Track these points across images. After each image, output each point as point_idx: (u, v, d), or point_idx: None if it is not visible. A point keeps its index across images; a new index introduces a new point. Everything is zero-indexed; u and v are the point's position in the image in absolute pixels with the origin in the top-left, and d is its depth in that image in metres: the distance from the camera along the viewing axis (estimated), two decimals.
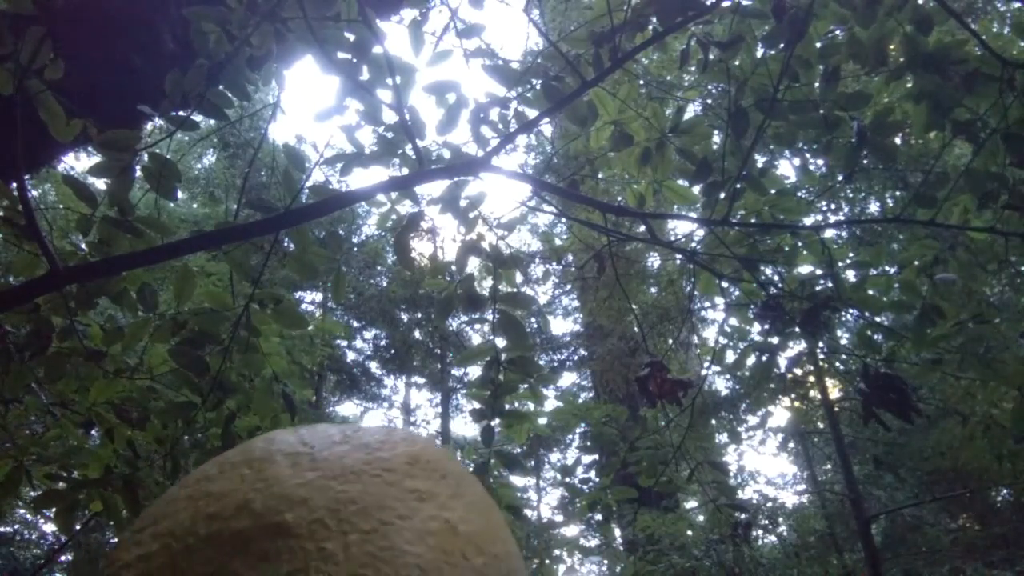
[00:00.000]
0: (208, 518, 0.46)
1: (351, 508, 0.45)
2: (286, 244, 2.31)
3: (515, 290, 2.45)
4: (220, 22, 1.98)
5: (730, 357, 3.39)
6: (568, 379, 13.19)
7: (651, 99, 2.68)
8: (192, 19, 1.97)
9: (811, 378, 6.25)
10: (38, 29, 1.69)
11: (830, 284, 2.58)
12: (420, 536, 0.44)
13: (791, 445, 9.86)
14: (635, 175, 2.70)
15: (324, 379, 11.74)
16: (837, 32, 2.41)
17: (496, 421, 2.48)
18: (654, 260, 7.49)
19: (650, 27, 2.28)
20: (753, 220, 2.66)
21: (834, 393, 6.88)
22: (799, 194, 3.57)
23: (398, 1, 2.79)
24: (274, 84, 2.50)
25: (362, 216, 12.33)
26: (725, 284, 2.82)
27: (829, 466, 9.89)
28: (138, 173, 2.00)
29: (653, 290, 7.29)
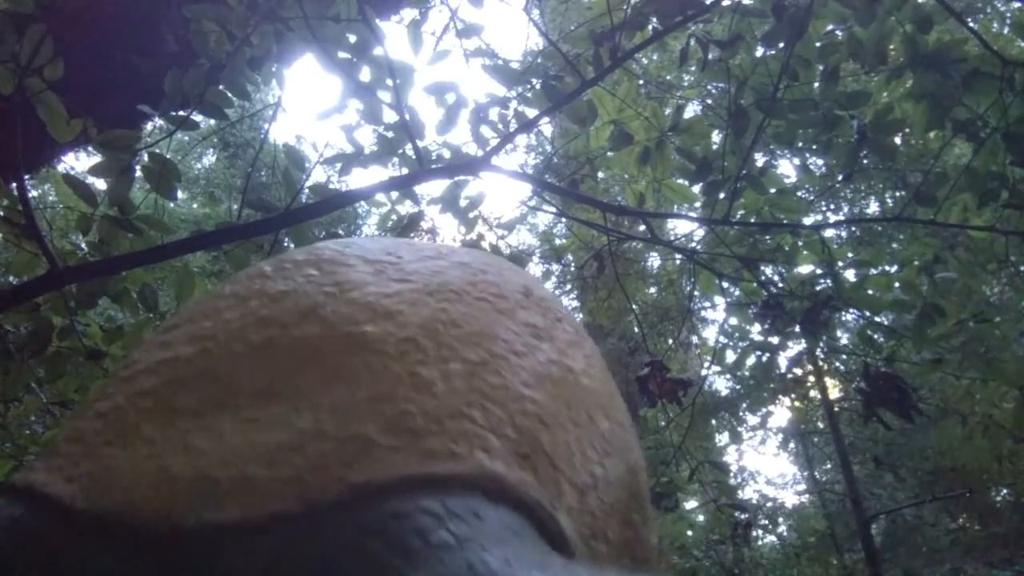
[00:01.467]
0: (262, 322, 0.35)
1: (453, 331, 0.34)
2: (286, 244, 2.31)
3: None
4: (220, 21, 1.98)
5: (730, 357, 3.39)
6: None
7: (650, 98, 2.68)
8: (189, 16, 1.97)
9: (811, 378, 6.25)
10: (38, 28, 1.69)
11: (830, 283, 2.58)
12: (539, 380, 0.34)
13: (791, 445, 9.87)
14: (635, 174, 2.70)
15: None
16: (837, 31, 2.41)
17: None
18: (654, 260, 7.49)
19: (650, 26, 2.29)
20: (753, 219, 2.66)
21: (834, 393, 6.89)
22: (799, 194, 3.57)
23: (398, 1, 2.79)
24: (274, 84, 2.50)
25: (362, 216, 12.34)
26: (725, 284, 2.82)
27: (829, 466, 9.89)
28: (138, 173, 2.00)
29: (653, 290, 7.29)
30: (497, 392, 0.32)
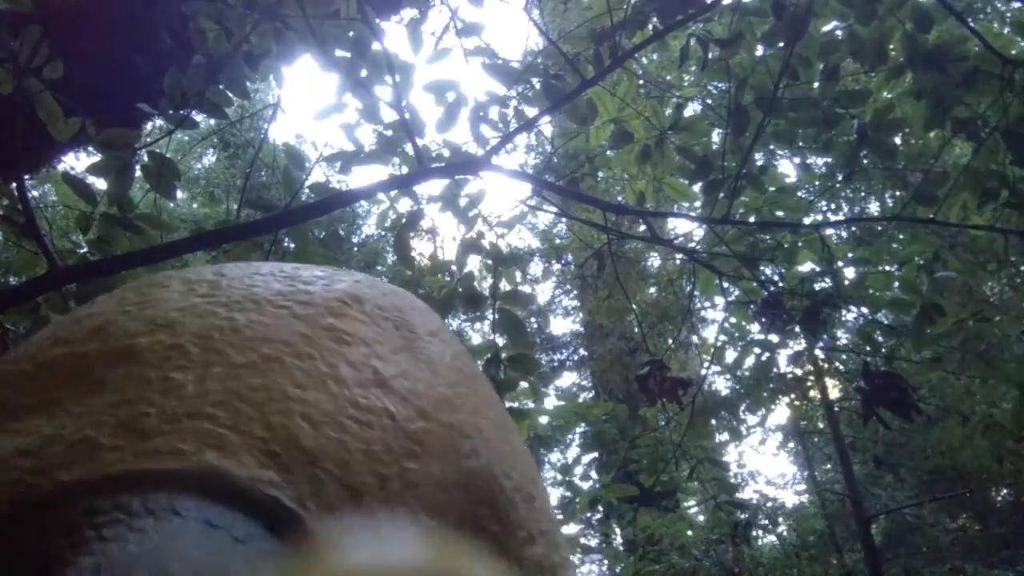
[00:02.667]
0: (56, 342, 0.35)
1: (229, 337, 0.33)
2: (286, 244, 2.31)
3: (515, 288, 2.45)
4: (219, 19, 1.98)
5: (730, 356, 3.39)
6: (568, 379, 13.19)
7: (650, 97, 2.68)
8: (190, 16, 1.97)
9: (811, 378, 6.25)
10: (37, 28, 1.69)
11: (830, 282, 2.58)
12: (320, 382, 0.33)
13: (791, 445, 9.87)
14: (635, 173, 2.70)
15: None
16: (837, 30, 2.41)
17: None
18: (654, 260, 7.49)
19: (650, 25, 2.28)
20: (753, 218, 2.66)
21: (834, 393, 6.89)
22: (799, 193, 3.57)
23: (397, 0, 2.79)
24: (274, 84, 2.50)
25: (362, 216, 12.33)
26: (725, 283, 2.82)
27: (829, 466, 9.89)
28: (138, 172, 2.00)
29: (653, 290, 7.29)
30: (255, 392, 0.32)
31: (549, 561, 0.34)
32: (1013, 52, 2.38)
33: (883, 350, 2.75)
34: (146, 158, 1.98)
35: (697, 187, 2.55)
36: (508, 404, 2.52)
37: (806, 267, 2.79)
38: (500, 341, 2.44)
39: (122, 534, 0.25)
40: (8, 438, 0.30)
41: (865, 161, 2.50)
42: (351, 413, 0.32)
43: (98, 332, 0.34)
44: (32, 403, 0.32)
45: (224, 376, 0.31)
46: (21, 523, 0.26)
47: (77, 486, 0.27)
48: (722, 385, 8.09)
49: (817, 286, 2.66)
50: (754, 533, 7.76)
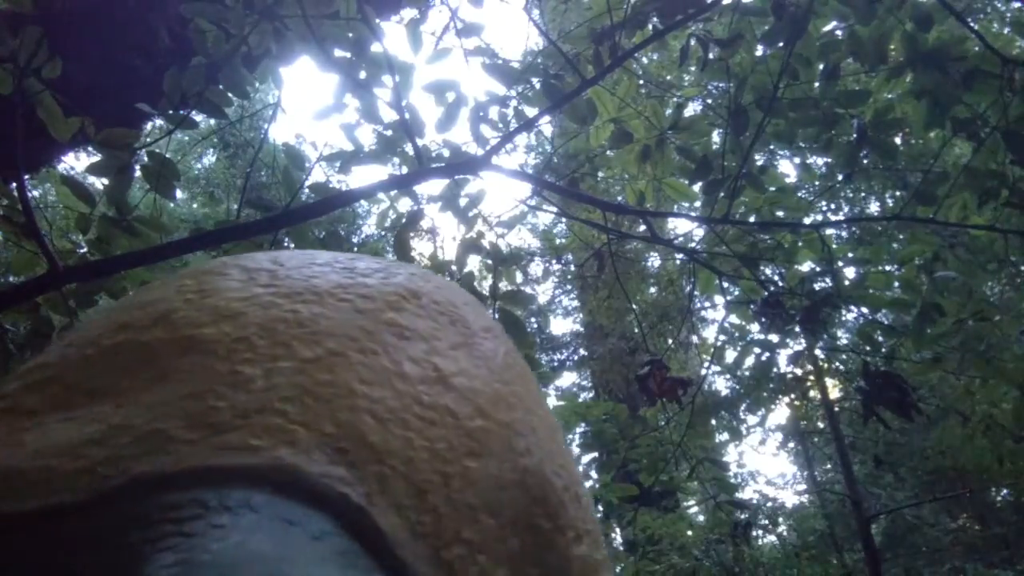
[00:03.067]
0: (118, 328, 0.35)
1: (294, 330, 0.34)
2: (286, 243, 2.31)
3: (515, 288, 2.45)
4: (218, 20, 1.98)
5: (730, 356, 3.39)
6: (568, 379, 13.19)
7: (651, 97, 2.68)
8: (189, 16, 1.97)
9: (811, 377, 6.25)
10: (37, 28, 1.69)
11: (830, 282, 2.58)
12: (384, 378, 0.33)
13: (791, 445, 9.86)
14: (635, 173, 2.70)
15: None
16: (837, 30, 2.41)
17: None
18: (654, 260, 7.49)
19: (650, 25, 2.28)
20: (753, 218, 2.66)
21: (834, 393, 6.89)
22: (799, 193, 3.57)
23: (397, 0, 2.79)
24: (274, 83, 2.50)
25: (362, 216, 12.33)
26: (725, 283, 2.82)
27: (829, 466, 9.89)
28: (137, 172, 2.00)
29: (653, 290, 7.29)
30: (322, 388, 0.31)
31: (593, 560, 0.35)
32: (1016, 51, 2.38)
33: (883, 350, 2.75)
34: (146, 158, 1.98)
35: (697, 187, 2.55)
36: None
37: (806, 267, 2.79)
38: None
39: (202, 529, 0.25)
40: (76, 425, 0.30)
41: (865, 161, 2.50)
42: (415, 411, 0.32)
43: (162, 320, 0.34)
44: (97, 389, 0.32)
45: (291, 371, 0.31)
46: (95, 514, 0.26)
47: (152, 479, 0.27)
48: (722, 385, 8.09)
49: (817, 286, 2.66)
50: (754, 533, 7.75)
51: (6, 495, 0.28)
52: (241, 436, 0.29)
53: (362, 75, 2.21)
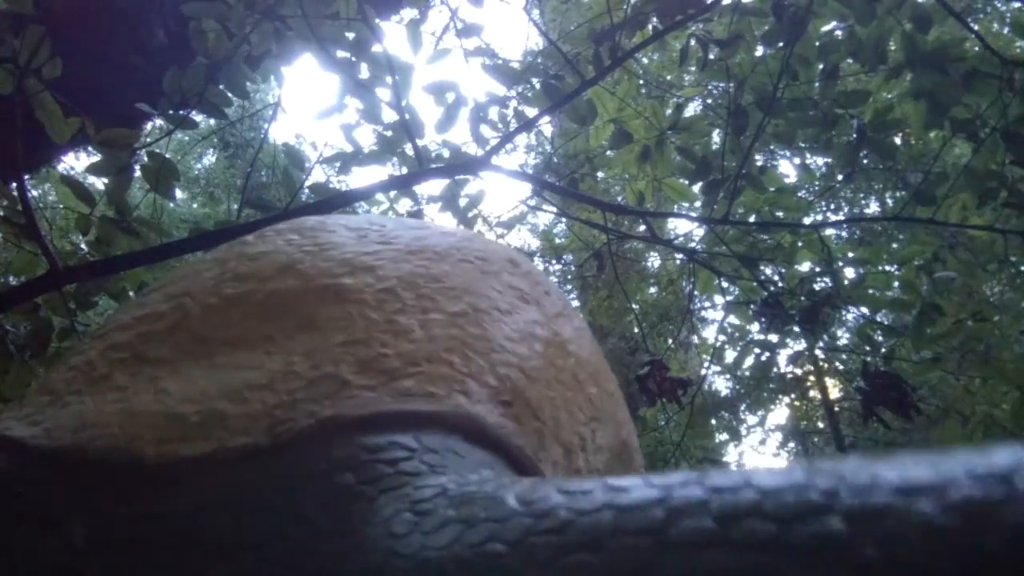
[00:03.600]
0: (238, 278, 0.35)
1: (434, 285, 0.34)
2: None
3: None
4: (219, 19, 1.98)
5: (730, 356, 3.39)
6: None
7: (650, 97, 2.68)
8: (189, 15, 1.97)
9: (811, 377, 6.25)
10: (37, 28, 1.69)
11: (829, 282, 2.58)
12: (524, 337, 0.33)
13: (791, 445, 9.87)
14: (634, 173, 2.70)
15: None
16: (837, 30, 2.41)
17: None
18: (654, 260, 7.49)
19: (650, 26, 2.29)
20: (753, 218, 2.66)
21: (834, 393, 6.88)
22: (799, 193, 3.57)
23: (397, 0, 2.79)
24: (274, 84, 2.50)
25: None
26: (724, 283, 2.82)
27: None
28: (137, 173, 2.00)
29: (653, 290, 7.29)
30: (478, 342, 0.32)
31: None
32: (1015, 52, 2.38)
33: (883, 350, 2.75)
34: (146, 158, 1.98)
35: (697, 187, 2.55)
36: None
37: (806, 267, 2.79)
38: None
39: (419, 468, 0.25)
40: (226, 371, 0.30)
41: (865, 161, 2.50)
42: (553, 373, 0.33)
43: (287, 270, 0.35)
44: (235, 337, 0.32)
45: (444, 323, 0.32)
46: (284, 456, 0.26)
47: (345, 422, 0.27)
48: (722, 385, 8.09)
49: (817, 286, 2.66)
50: None
51: (170, 438, 0.28)
52: (419, 383, 0.29)
53: (363, 73, 2.21)
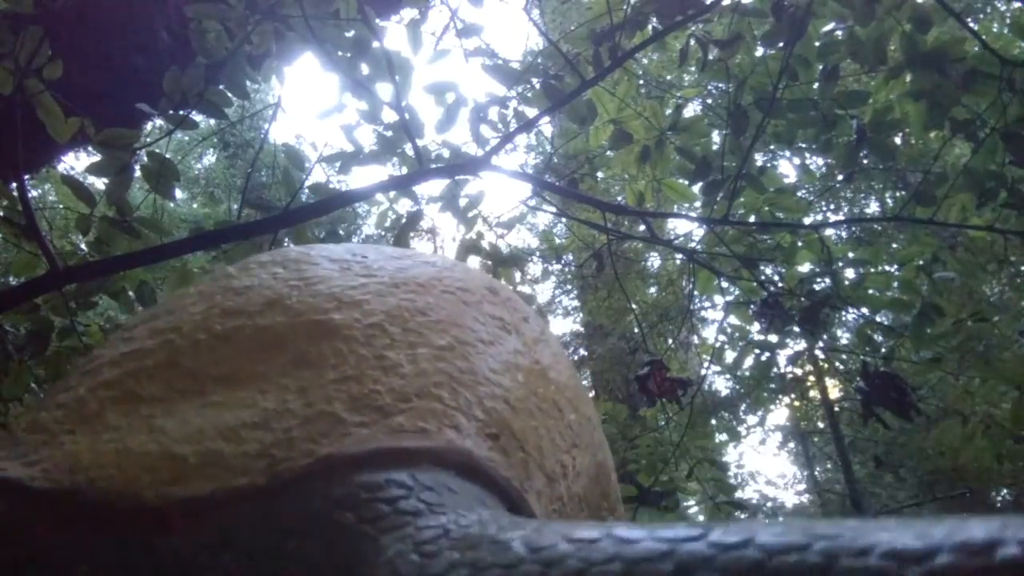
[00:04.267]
0: (226, 313, 0.35)
1: (420, 319, 0.34)
2: (286, 244, 2.31)
3: (515, 288, 2.45)
4: (220, 19, 1.98)
5: (730, 357, 3.39)
6: None
7: (650, 98, 2.68)
8: (191, 15, 1.97)
9: (811, 377, 6.25)
10: (37, 28, 1.69)
11: (829, 282, 2.58)
12: (507, 367, 0.34)
13: (791, 445, 9.86)
14: (634, 174, 2.70)
15: None
16: (836, 31, 2.41)
17: None
18: (654, 260, 7.49)
19: (650, 26, 2.29)
20: (752, 218, 2.66)
21: (834, 393, 6.88)
22: (799, 193, 3.57)
23: (397, 0, 2.79)
24: (274, 84, 2.50)
25: (362, 216, 12.33)
26: (724, 283, 2.82)
27: (829, 466, 9.89)
28: (137, 173, 2.00)
29: (653, 290, 7.29)
30: (464, 376, 0.32)
31: None
32: (1015, 52, 2.38)
33: (883, 350, 2.75)
34: (146, 158, 1.98)
35: (697, 188, 2.55)
36: None
37: (805, 267, 2.79)
38: None
39: (419, 508, 0.26)
40: (220, 410, 0.30)
41: (865, 161, 2.50)
42: (535, 402, 0.34)
43: (276, 305, 0.35)
44: (227, 375, 0.32)
45: (432, 357, 0.33)
46: (278, 496, 0.27)
47: (342, 460, 0.28)
48: (722, 385, 8.09)
49: (816, 286, 2.66)
50: None
51: (168, 479, 0.28)
52: (410, 419, 0.29)
53: (364, 71, 2.21)
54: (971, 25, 2.41)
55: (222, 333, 0.34)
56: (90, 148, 2.56)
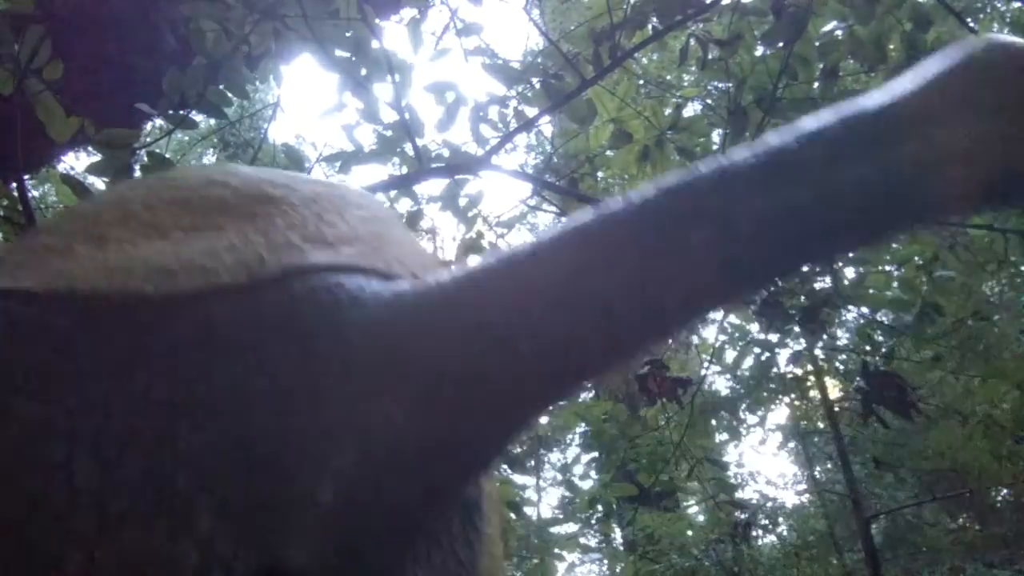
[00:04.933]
0: (170, 187, 0.41)
1: (343, 199, 0.44)
2: None
3: None
4: (218, 19, 1.98)
5: (730, 356, 3.39)
6: None
7: (650, 97, 2.68)
8: (187, 14, 1.97)
9: (811, 377, 6.24)
10: (37, 28, 1.69)
11: (829, 281, 2.58)
12: (387, 223, 0.45)
13: (791, 445, 9.86)
14: (634, 173, 2.70)
15: None
16: (836, 30, 2.41)
17: None
18: None
19: (649, 25, 2.29)
20: None
21: (834, 393, 6.88)
22: None
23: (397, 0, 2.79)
24: (274, 83, 2.50)
25: None
26: None
27: (829, 466, 9.89)
28: (137, 172, 2.00)
29: None
30: (390, 236, 0.43)
31: None
32: None
33: (883, 350, 2.75)
34: (146, 158, 1.98)
35: None
36: None
37: (805, 267, 2.78)
38: None
39: (351, 292, 0.35)
40: (184, 242, 0.37)
41: None
42: (391, 235, 0.45)
43: (214, 184, 0.43)
44: (188, 225, 0.39)
45: (361, 221, 0.43)
46: (258, 294, 0.34)
47: (299, 268, 0.36)
48: (722, 385, 8.09)
49: (817, 286, 2.67)
50: (754, 533, 7.75)
51: (160, 279, 0.33)
52: (355, 250, 0.39)
53: (363, 72, 2.21)
54: (971, 24, 2.41)
55: (171, 200, 0.39)
56: (90, 148, 2.56)
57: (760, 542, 8.51)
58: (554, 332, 0.32)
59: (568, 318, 0.33)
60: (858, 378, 2.40)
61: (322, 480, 0.30)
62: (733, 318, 3.05)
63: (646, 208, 0.34)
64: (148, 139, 2.88)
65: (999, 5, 4.74)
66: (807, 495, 9.64)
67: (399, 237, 0.44)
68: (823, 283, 2.67)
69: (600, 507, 3.67)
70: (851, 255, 2.88)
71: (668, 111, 2.59)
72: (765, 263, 0.34)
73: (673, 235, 0.33)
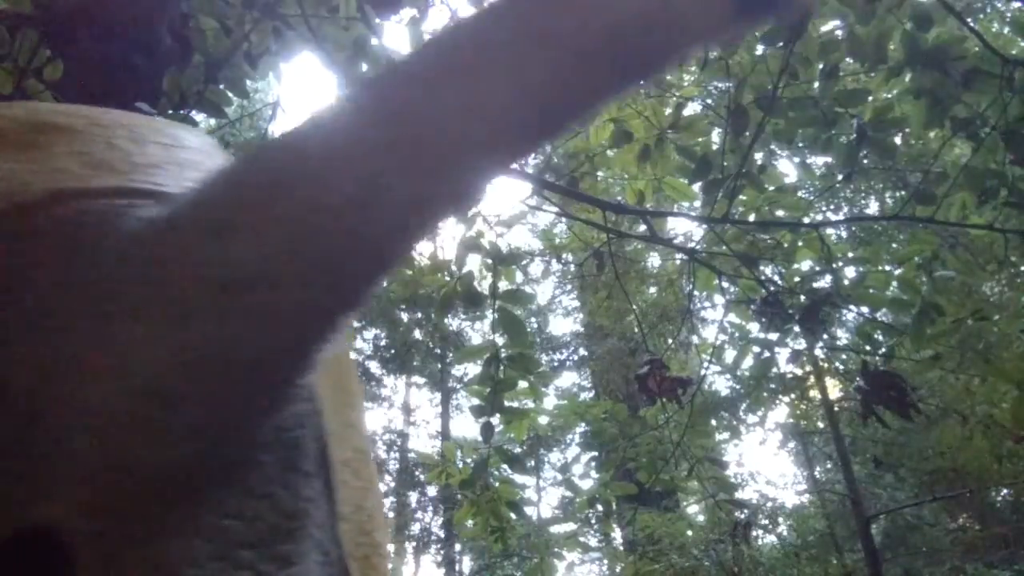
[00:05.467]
0: None
1: (138, 129, 0.44)
2: None
3: (514, 287, 2.45)
4: (219, 18, 1.98)
5: (730, 356, 3.39)
6: (568, 379, 13.19)
7: (650, 97, 2.68)
8: (191, 14, 1.97)
9: (811, 377, 6.24)
10: (36, 29, 1.69)
11: (829, 281, 2.58)
12: (178, 151, 0.46)
13: (791, 445, 9.86)
14: (634, 173, 2.70)
15: None
16: (836, 30, 2.40)
17: (496, 417, 2.48)
18: (654, 259, 7.49)
19: None
20: (752, 217, 2.66)
21: (834, 392, 6.88)
22: (799, 193, 3.57)
23: None
24: (274, 82, 2.50)
25: None
26: (724, 282, 2.82)
27: (829, 466, 9.89)
28: None
29: (653, 290, 7.29)
30: (191, 163, 0.43)
31: None
32: (1015, 51, 2.38)
33: (883, 350, 2.75)
34: None
35: (697, 186, 2.55)
36: (508, 403, 2.52)
37: (805, 266, 2.79)
38: (499, 340, 2.44)
39: (135, 212, 0.35)
40: (16, 164, 0.39)
41: (865, 161, 2.50)
42: (175, 161, 0.45)
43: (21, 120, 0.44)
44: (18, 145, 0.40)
45: (161, 148, 0.43)
46: (21, 219, 0.34)
47: (63, 193, 0.36)
48: (722, 385, 8.09)
49: (816, 285, 2.66)
50: (754, 533, 7.75)
51: None
52: (142, 176, 0.40)
53: (363, 68, 2.21)
54: (971, 24, 2.41)
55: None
56: None
57: (760, 542, 8.51)
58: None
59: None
60: (858, 378, 2.40)
61: (77, 420, 0.26)
62: (733, 318, 3.05)
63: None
64: None
65: (999, 5, 4.74)
66: (807, 495, 9.65)
67: (208, 165, 0.44)
68: (823, 283, 2.67)
69: (600, 506, 3.67)
70: (851, 254, 2.88)
71: (668, 110, 2.59)
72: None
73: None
